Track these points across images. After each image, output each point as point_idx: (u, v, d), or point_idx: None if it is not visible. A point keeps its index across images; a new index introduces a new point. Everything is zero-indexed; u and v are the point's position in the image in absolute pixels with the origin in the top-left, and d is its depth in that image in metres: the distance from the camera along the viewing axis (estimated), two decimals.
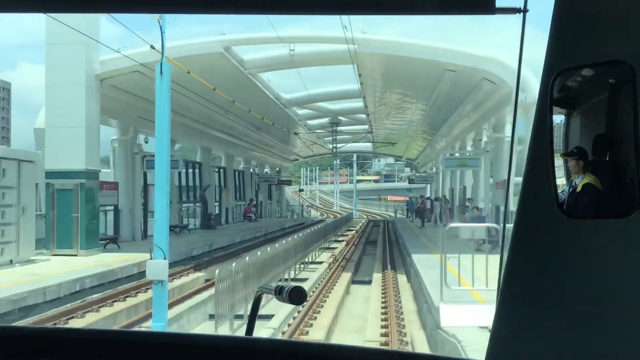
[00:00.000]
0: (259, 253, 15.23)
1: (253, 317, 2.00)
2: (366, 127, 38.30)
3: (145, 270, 10.86)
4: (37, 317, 12.15)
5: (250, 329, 1.94)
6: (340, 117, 35.68)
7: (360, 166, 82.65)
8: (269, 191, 53.04)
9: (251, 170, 45.08)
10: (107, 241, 21.73)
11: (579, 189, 1.55)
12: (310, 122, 38.90)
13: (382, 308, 14.50)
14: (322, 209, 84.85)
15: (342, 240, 33.25)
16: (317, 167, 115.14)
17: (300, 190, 61.91)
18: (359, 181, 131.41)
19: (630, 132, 1.30)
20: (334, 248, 29.25)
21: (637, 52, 1.31)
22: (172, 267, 15.96)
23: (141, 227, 25.31)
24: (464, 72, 21.30)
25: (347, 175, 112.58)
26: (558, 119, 1.51)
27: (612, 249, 1.40)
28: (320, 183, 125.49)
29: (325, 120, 36.98)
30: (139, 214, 25.40)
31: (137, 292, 15.38)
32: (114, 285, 15.91)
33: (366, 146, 56.35)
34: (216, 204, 36.27)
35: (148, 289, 14.22)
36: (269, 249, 16.16)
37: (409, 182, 53.57)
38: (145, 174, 27.10)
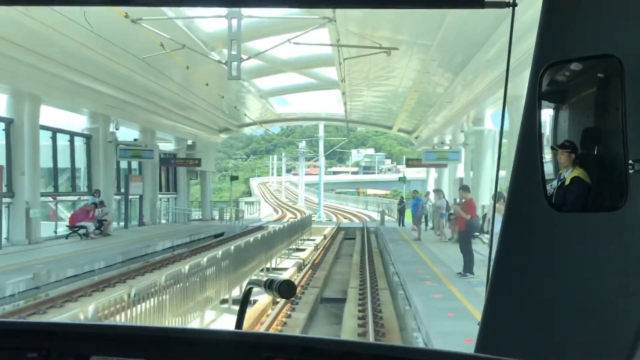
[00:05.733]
0: None
1: (243, 310, 1.82)
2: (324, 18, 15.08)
3: None
4: None
5: (240, 322, 1.80)
6: None
7: (326, 143, 60.16)
8: (171, 178, 30.15)
9: (109, 136, 21.82)
10: None
11: (567, 183, 1.44)
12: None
13: None
14: (283, 205, 61.99)
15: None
16: (284, 155, 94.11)
17: (234, 178, 38.67)
18: (335, 173, 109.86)
19: (619, 126, 1.25)
20: None
21: (625, 46, 1.28)
22: None
23: None
24: None
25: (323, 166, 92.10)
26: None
27: (600, 242, 1.38)
28: (294, 174, 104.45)
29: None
30: None
31: None
32: None
33: (330, 100, 33.42)
34: None
35: None
36: None
37: (407, 166, 30.88)
38: None
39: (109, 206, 20.87)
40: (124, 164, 25.07)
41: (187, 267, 9.63)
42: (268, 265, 16.94)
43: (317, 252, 20.68)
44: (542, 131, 1.33)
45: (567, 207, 1.38)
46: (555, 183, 1.46)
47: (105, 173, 21.49)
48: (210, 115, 29.07)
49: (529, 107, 1.34)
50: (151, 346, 1.48)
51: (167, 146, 30.95)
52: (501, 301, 1.45)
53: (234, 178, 38.22)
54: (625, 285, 1.37)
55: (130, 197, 24.31)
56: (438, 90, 22.39)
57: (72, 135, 20.84)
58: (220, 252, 11.81)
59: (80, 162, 21.44)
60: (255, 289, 1.92)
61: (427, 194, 26.06)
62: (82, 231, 18.89)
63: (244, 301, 1.85)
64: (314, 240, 26.03)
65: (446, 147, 24.54)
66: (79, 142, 21.41)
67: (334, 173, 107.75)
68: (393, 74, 21.08)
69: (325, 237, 26.28)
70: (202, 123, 30.10)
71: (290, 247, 21.97)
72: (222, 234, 26.39)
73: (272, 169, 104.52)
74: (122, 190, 24.32)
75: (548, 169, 1.40)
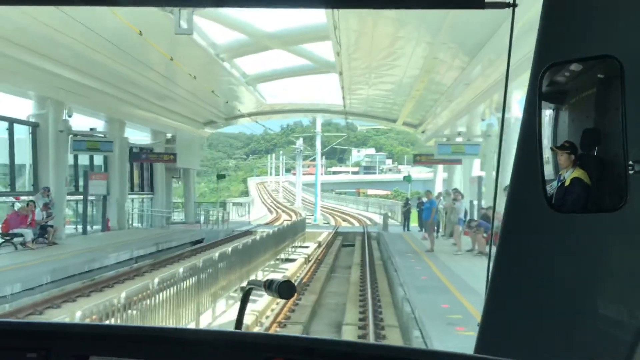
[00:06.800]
0: None
1: (242, 311, 1.78)
2: None
3: None
4: None
5: (239, 322, 1.75)
6: None
7: (325, 142, 56.60)
8: (147, 176, 26.43)
9: (61, 125, 18.03)
10: None
11: (567, 183, 1.40)
12: None
13: None
14: (279, 205, 58.33)
15: None
16: (282, 154, 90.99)
17: (220, 177, 34.95)
18: (335, 173, 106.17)
19: (619, 127, 1.22)
20: None
21: (625, 47, 1.26)
22: None
23: None
24: None
25: (323, 166, 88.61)
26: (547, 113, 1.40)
27: (600, 243, 1.35)
28: (293, 174, 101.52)
29: None
30: None
31: None
32: None
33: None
34: None
35: None
36: None
37: (415, 162, 27.16)
38: None
39: (58, 207, 17.15)
40: (84, 159, 21.35)
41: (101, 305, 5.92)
42: (244, 284, 13.26)
43: (307, 266, 16.95)
44: (542, 132, 1.27)
45: (567, 208, 1.34)
46: (555, 184, 1.41)
47: (55, 168, 17.73)
48: (188, 104, 25.18)
49: (529, 107, 1.33)
50: (151, 346, 1.45)
51: (145, 140, 27.26)
52: (501, 301, 1.42)
53: (220, 177, 34.50)
54: (625, 286, 1.33)
55: (92, 197, 20.59)
56: (451, 73, 18.72)
57: (12, 122, 17.07)
58: (156, 280, 8.10)
59: (24, 155, 17.71)
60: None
61: (438, 195, 22.33)
62: (17, 240, 15.17)
63: (244, 302, 1.81)
64: (307, 247, 22.34)
65: (459, 140, 20.77)
66: (23, 134, 17.71)
67: (334, 173, 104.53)
68: (402, 51, 17.38)
69: (320, 245, 22.55)
70: (179, 113, 26.15)
71: (279, 257, 18.32)
72: (201, 241, 22.72)
73: (271, 168, 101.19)
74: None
75: (548, 169, 1.35)
